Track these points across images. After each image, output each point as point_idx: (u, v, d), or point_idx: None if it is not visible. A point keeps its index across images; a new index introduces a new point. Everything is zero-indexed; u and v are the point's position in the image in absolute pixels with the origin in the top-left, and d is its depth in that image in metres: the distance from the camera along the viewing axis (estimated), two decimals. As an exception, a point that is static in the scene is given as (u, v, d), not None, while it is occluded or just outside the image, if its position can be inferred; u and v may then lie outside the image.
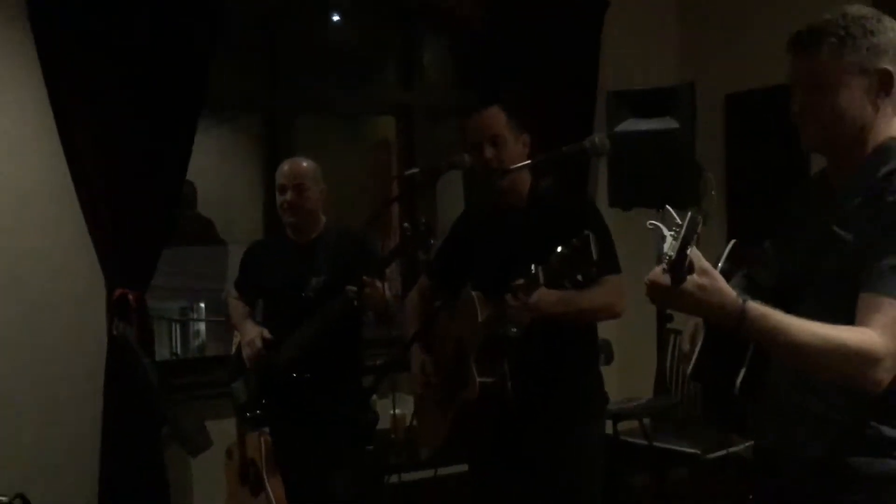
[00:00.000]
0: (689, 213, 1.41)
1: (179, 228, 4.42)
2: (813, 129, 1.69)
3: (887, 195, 1.57)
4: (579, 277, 2.19)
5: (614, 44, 4.60)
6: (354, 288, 2.87)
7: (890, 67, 1.64)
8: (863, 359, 1.50)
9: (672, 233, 1.44)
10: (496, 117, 2.60)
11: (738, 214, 4.35)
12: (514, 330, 2.38)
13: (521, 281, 2.30)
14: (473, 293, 2.52)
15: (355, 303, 2.90)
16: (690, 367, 1.76)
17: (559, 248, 2.20)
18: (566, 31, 4.42)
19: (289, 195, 3.19)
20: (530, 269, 2.27)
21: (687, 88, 4.10)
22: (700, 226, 1.41)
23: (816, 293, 1.65)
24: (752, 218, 4.28)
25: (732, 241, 1.83)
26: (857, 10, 1.67)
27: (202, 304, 5.62)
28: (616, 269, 2.54)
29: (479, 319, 2.46)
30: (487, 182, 2.60)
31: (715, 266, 1.55)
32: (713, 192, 4.54)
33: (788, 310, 1.54)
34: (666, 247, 1.43)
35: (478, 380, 2.44)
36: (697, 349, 1.74)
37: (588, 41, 4.53)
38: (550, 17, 4.38)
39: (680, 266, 1.41)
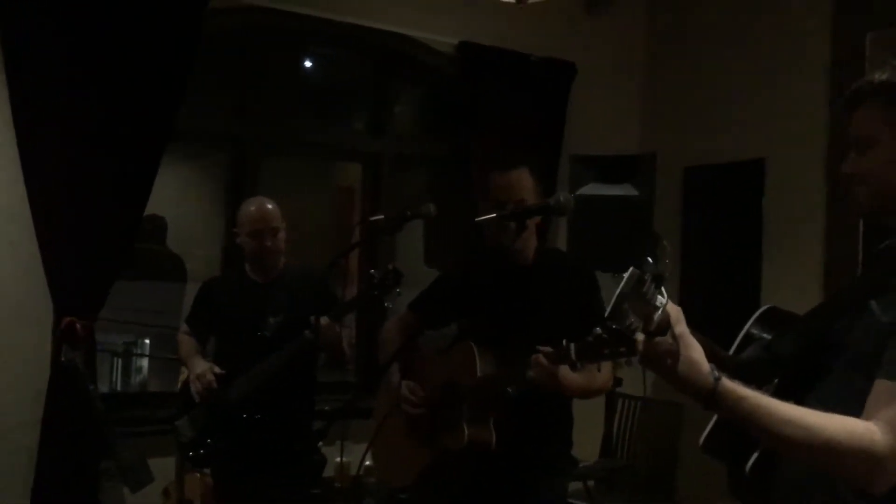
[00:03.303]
0: (630, 269, 1.33)
1: (146, 262, 4.35)
2: (861, 190, 1.55)
3: None
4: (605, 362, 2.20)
5: (580, 110, 4.72)
6: (312, 332, 2.84)
7: None
8: (859, 458, 1.33)
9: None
10: (524, 180, 2.60)
11: (691, 283, 4.44)
12: (512, 391, 2.38)
13: (548, 350, 2.28)
14: (472, 345, 2.52)
15: (313, 345, 2.87)
16: (703, 437, 1.65)
17: (597, 330, 2.16)
18: (535, 93, 4.54)
19: (268, 240, 3.18)
20: (560, 342, 2.22)
21: (648, 158, 4.22)
22: (645, 284, 1.33)
23: (839, 370, 1.49)
24: (705, 286, 4.38)
25: (766, 306, 1.73)
26: None
27: (147, 341, 5.51)
28: None
29: (478, 372, 2.47)
30: (503, 240, 2.57)
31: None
32: (668, 261, 4.64)
33: (811, 382, 1.42)
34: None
35: (467, 431, 2.45)
36: (712, 421, 1.62)
37: (555, 105, 4.65)
38: (521, 78, 4.49)
39: (617, 321, 1.33)
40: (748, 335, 1.67)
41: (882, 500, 1.38)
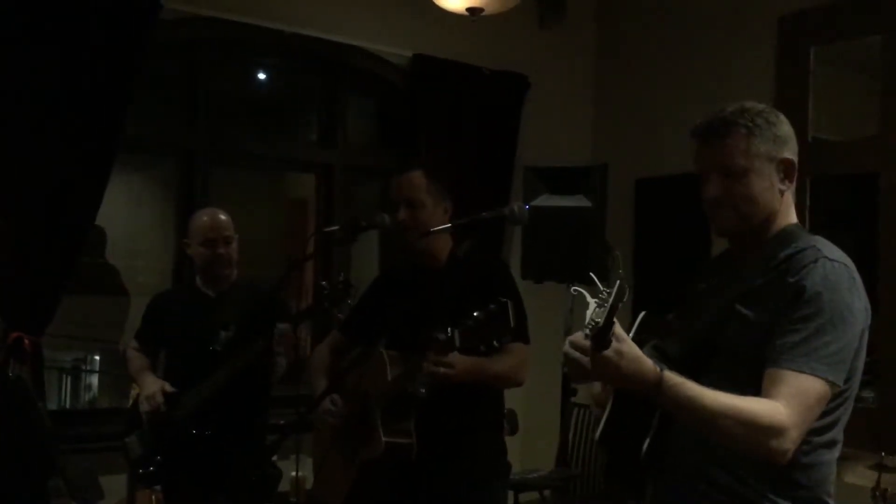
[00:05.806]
0: (618, 282, 1.45)
1: (84, 276, 4.28)
2: (728, 213, 1.76)
3: (788, 276, 1.67)
4: (495, 343, 2.22)
5: (533, 122, 4.77)
6: (264, 340, 2.82)
7: (791, 157, 1.76)
8: (771, 430, 1.54)
9: (597, 300, 1.48)
10: (416, 181, 2.65)
11: (644, 293, 4.49)
12: (423, 391, 2.38)
13: (435, 341, 2.31)
14: (383, 351, 2.52)
15: (264, 354, 2.84)
16: (598, 432, 1.78)
17: (476, 313, 2.22)
18: (488, 105, 4.57)
19: (221, 248, 3.15)
20: (445, 331, 2.28)
21: (600, 170, 4.26)
22: (626, 295, 1.46)
23: (720, 365, 1.71)
24: (657, 296, 4.43)
25: (643, 313, 1.88)
26: (753, 105, 1.78)
27: (97, 357, 5.42)
28: (525, 338, 2.58)
29: (388, 377, 2.46)
30: (403, 242, 2.64)
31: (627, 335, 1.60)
32: (620, 271, 4.72)
33: (697, 377, 1.59)
34: (589, 313, 1.47)
35: (383, 438, 2.43)
36: (606, 414, 1.77)
37: (508, 117, 4.68)
38: (474, 91, 4.52)
39: (606, 332, 1.45)
40: (636, 340, 1.78)
41: (770, 471, 1.61)
